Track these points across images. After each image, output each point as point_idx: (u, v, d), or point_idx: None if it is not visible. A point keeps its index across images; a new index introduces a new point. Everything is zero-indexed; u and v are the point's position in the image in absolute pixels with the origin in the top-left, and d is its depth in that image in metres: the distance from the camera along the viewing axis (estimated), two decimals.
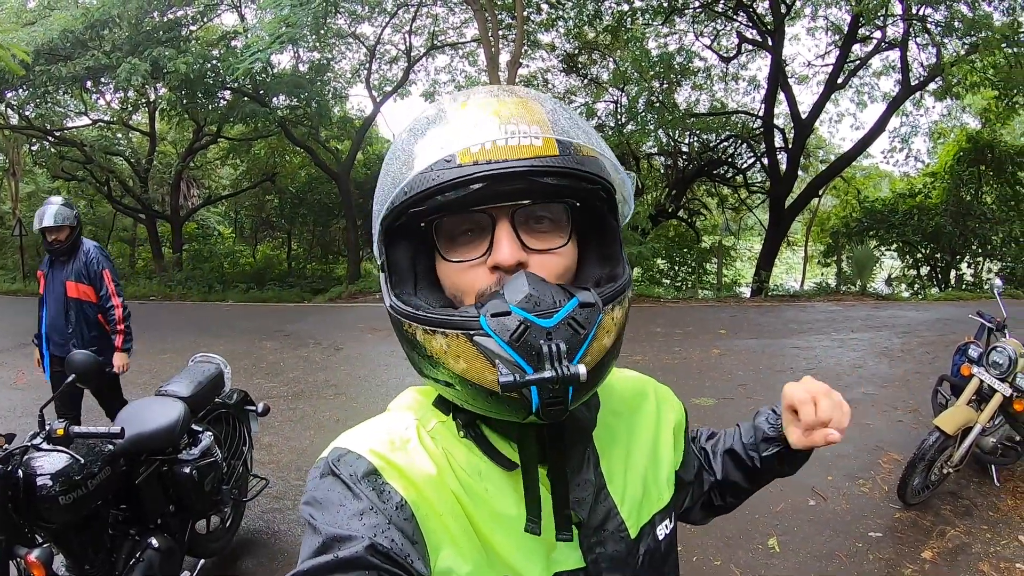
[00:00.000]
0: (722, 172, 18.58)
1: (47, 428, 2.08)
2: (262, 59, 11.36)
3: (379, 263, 0.70)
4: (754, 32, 15.33)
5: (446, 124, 0.64)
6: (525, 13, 14.12)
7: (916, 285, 15.68)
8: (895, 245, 16.21)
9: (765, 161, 15.92)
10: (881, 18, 13.20)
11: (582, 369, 0.57)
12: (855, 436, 4.83)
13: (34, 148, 20.04)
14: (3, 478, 1.96)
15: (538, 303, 0.59)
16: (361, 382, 6.75)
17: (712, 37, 16.39)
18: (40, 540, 2.08)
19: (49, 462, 2.07)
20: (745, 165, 18.30)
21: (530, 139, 0.62)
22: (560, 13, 15.55)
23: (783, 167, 15.33)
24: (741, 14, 15.17)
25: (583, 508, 0.71)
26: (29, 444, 2.03)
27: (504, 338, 0.58)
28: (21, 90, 14.76)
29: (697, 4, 15.35)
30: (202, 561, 3.01)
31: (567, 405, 0.59)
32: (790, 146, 15.31)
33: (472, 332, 0.59)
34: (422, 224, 0.65)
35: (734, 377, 6.56)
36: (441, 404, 0.73)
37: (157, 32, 14.11)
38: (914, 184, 17.44)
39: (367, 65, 17.61)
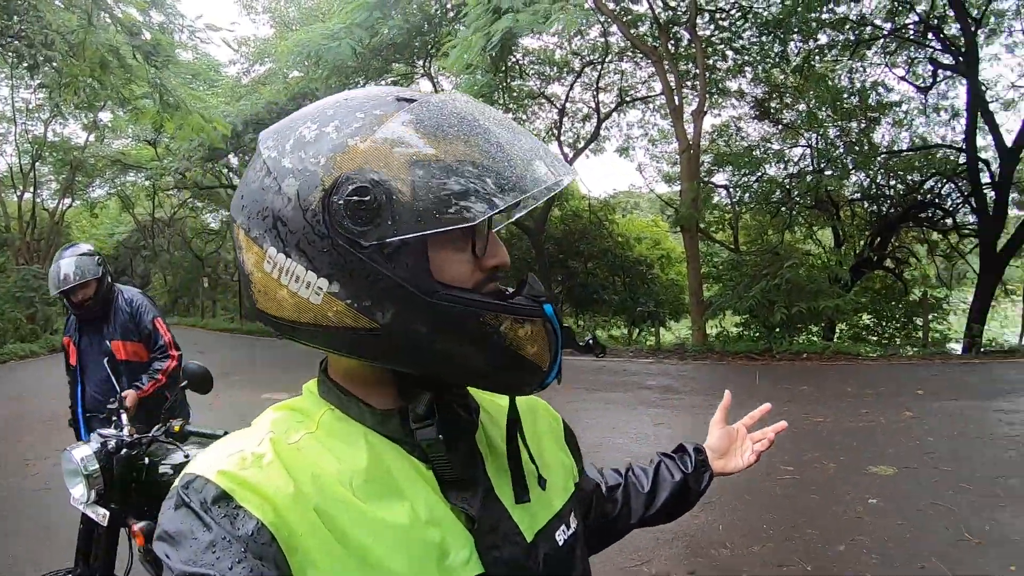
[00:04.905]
0: (930, 215, 16.54)
1: (167, 425, 2.38)
2: None
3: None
4: (949, 57, 13.65)
5: (522, 138, 0.68)
6: (710, 61, 14.03)
7: None
8: None
9: (973, 201, 13.92)
10: None
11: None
12: None
13: None
14: (129, 460, 2.27)
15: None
16: None
17: (906, 67, 14.89)
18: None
19: (171, 455, 2.35)
20: (954, 207, 16.16)
21: None
22: (746, 58, 15.12)
23: (992, 205, 13.31)
24: (932, 38, 13.63)
25: (473, 507, 0.67)
26: (152, 436, 2.32)
27: (559, 324, 0.67)
28: (235, 155, 17.58)
29: (885, 32, 14.10)
30: None
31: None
32: (997, 180, 13.30)
33: (543, 319, 0.66)
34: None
35: (923, 444, 5.62)
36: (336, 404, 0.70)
37: None
38: None
39: (558, 123, 18.12)
